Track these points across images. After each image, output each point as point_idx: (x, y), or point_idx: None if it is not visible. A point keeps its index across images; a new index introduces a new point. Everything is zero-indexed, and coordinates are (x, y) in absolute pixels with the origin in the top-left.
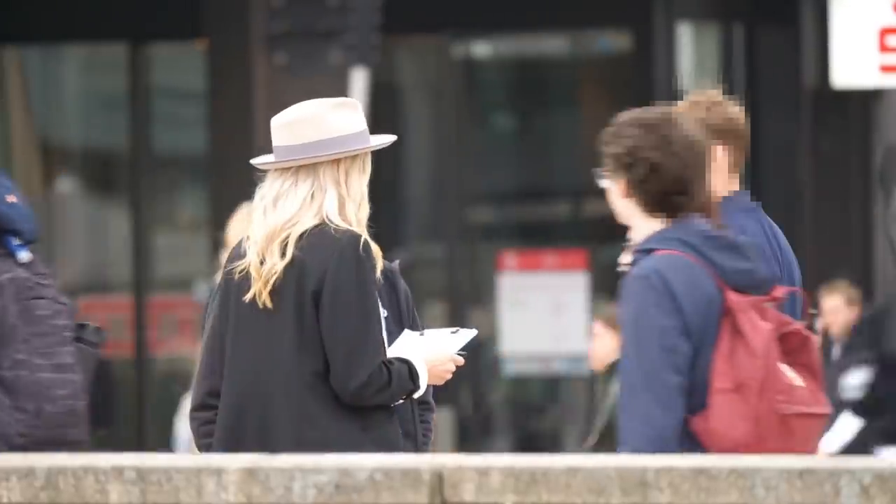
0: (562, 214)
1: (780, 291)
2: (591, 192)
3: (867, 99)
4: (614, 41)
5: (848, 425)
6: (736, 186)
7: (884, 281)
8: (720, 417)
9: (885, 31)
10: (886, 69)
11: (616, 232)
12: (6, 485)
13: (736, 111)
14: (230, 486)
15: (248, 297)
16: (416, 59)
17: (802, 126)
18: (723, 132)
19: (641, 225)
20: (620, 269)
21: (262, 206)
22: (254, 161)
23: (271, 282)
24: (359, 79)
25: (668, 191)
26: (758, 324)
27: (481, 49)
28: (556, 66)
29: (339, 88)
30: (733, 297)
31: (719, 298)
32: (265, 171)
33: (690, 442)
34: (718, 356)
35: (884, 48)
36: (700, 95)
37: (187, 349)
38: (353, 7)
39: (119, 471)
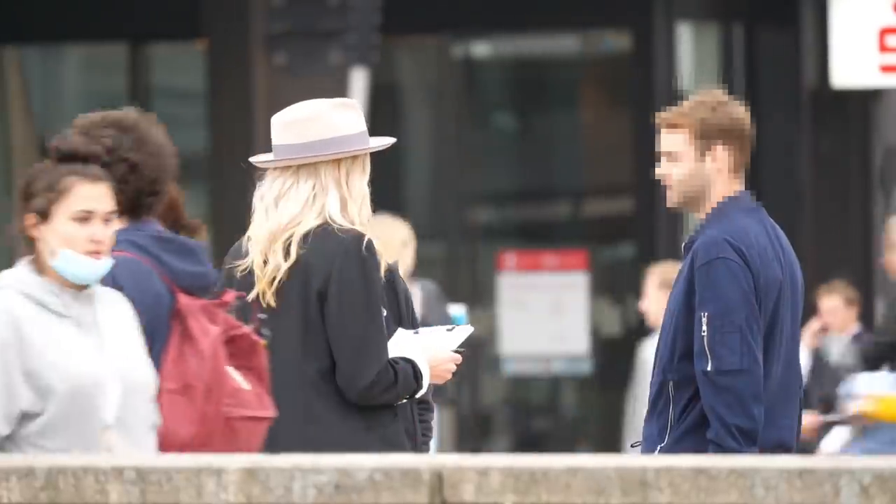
0: (562, 215)
1: (231, 296)
2: (592, 193)
3: (867, 99)
4: (614, 41)
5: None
6: (739, 187)
7: (883, 281)
8: (167, 418)
9: (885, 31)
10: (886, 69)
11: (617, 232)
12: (6, 485)
13: (741, 112)
14: (230, 486)
15: (251, 296)
16: (416, 59)
17: (802, 126)
18: (726, 132)
19: None
20: None
21: (264, 206)
22: (253, 159)
23: (276, 281)
24: (359, 79)
25: (143, 191)
26: (206, 326)
27: (481, 49)
28: (555, 67)
29: (339, 88)
30: (183, 300)
31: (169, 300)
32: (264, 170)
33: None
34: (167, 357)
35: (883, 48)
36: (706, 95)
37: None
38: (354, 7)
39: (119, 471)
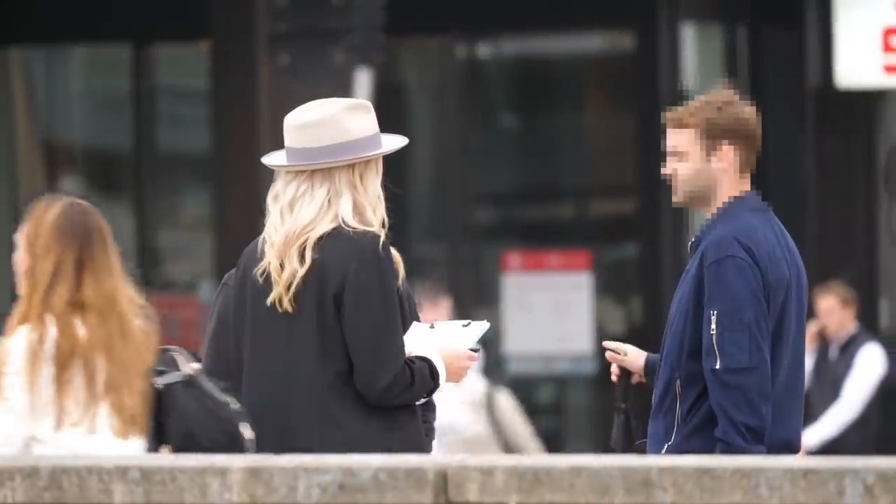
0: (566, 215)
1: None
2: (596, 193)
3: (871, 99)
4: (618, 42)
5: (833, 420)
6: (746, 187)
7: (887, 282)
8: None
9: (889, 32)
10: (890, 69)
11: (621, 232)
12: (10, 485)
13: (748, 112)
14: (234, 486)
15: (268, 300)
16: (421, 59)
17: (806, 126)
18: (732, 132)
19: None
20: None
21: (279, 209)
22: (266, 161)
23: (293, 286)
24: (363, 79)
25: None
26: None
27: (485, 49)
28: (559, 67)
29: (343, 89)
30: None
31: None
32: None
33: None
34: None
35: (888, 48)
36: (715, 94)
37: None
38: (358, 7)
39: (123, 471)
